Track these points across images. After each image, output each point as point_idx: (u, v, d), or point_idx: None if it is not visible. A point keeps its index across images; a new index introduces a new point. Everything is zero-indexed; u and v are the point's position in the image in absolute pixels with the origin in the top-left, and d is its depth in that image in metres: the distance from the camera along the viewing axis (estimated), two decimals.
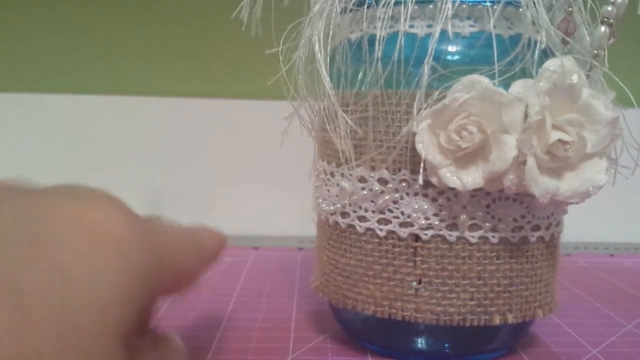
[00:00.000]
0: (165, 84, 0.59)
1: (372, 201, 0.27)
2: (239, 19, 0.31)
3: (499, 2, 0.26)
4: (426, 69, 0.25)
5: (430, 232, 0.26)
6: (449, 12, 0.25)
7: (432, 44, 0.25)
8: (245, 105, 0.58)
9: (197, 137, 0.58)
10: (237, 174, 0.58)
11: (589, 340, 0.32)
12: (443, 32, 0.25)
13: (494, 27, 0.25)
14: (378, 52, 0.26)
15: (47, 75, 0.59)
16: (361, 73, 0.27)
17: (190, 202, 0.58)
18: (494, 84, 0.24)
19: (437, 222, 0.26)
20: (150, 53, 0.59)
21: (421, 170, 0.25)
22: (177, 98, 0.58)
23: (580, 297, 0.40)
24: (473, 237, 0.26)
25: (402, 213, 0.27)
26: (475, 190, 0.26)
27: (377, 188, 0.27)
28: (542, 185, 0.24)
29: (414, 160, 0.26)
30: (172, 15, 0.59)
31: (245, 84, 0.59)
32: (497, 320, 0.27)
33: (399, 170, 0.27)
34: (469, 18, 0.26)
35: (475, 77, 0.25)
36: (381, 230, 0.27)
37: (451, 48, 0.26)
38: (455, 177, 0.25)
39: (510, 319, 0.27)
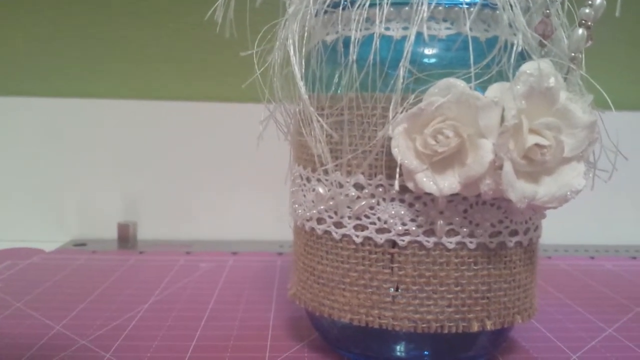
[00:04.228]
0: (141, 87, 0.58)
1: (349, 207, 0.27)
2: (214, 21, 0.30)
3: (475, 4, 0.25)
4: (402, 72, 0.24)
5: (407, 238, 0.26)
6: (425, 14, 0.25)
7: (407, 47, 0.24)
8: (220, 108, 0.57)
9: (172, 140, 0.57)
10: (214, 177, 0.57)
11: (569, 345, 0.32)
12: (419, 35, 0.25)
13: (471, 29, 0.25)
14: (353, 55, 0.25)
15: (24, 78, 0.58)
16: (337, 76, 0.26)
17: (167, 207, 0.57)
18: (471, 88, 0.24)
19: (414, 228, 0.26)
20: (126, 56, 0.58)
21: (397, 175, 0.25)
22: (152, 101, 0.57)
23: (561, 301, 0.40)
24: (450, 242, 0.26)
25: (379, 219, 0.26)
26: (452, 195, 0.25)
27: (353, 193, 0.27)
28: (519, 190, 0.24)
29: (390, 165, 0.26)
30: (148, 18, 0.58)
31: (220, 86, 0.58)
32: (475, 327, 0.26)
33: (375, 175, 0.26)
34: (445, 20, 0.26)
35: (451, 80, 0.24)
36: (357, 236, 0.27)
37: (427, 51, 0.25)
38: (431, 182, 0.25)
39: (489, 325, 0.27)
